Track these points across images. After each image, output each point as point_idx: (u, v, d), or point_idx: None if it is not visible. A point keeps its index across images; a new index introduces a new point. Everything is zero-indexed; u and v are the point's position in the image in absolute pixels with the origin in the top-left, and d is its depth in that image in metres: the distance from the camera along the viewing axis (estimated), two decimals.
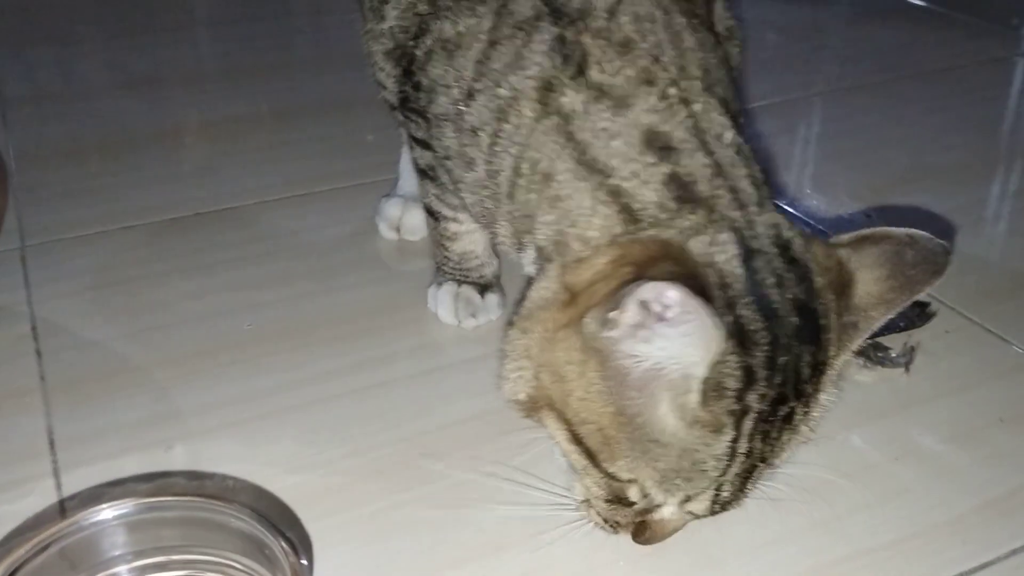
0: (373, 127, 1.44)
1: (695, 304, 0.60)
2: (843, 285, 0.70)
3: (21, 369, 0.97)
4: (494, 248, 1.07)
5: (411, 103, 0.94)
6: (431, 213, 1.03)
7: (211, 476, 0.84)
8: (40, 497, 0.82)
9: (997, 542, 0.81)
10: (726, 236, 0.69)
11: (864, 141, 1.47)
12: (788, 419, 0.69)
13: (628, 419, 0.67)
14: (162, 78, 1.72)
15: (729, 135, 0.75)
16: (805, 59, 1.84)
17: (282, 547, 0.58)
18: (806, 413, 0.70)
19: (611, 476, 0.71)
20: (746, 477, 0.70)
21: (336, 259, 1.17)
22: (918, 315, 1.04)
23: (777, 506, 0.80)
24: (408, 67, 0.92)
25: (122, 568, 0.62)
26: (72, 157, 1.42)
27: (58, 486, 0.83)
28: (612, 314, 0.64)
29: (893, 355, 0.99)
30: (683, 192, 0.71)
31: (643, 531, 0.75)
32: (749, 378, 0.65)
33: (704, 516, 0.73)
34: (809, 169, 1.46)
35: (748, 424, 0.67)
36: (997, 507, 0.84)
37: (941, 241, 0.70)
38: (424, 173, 1.00)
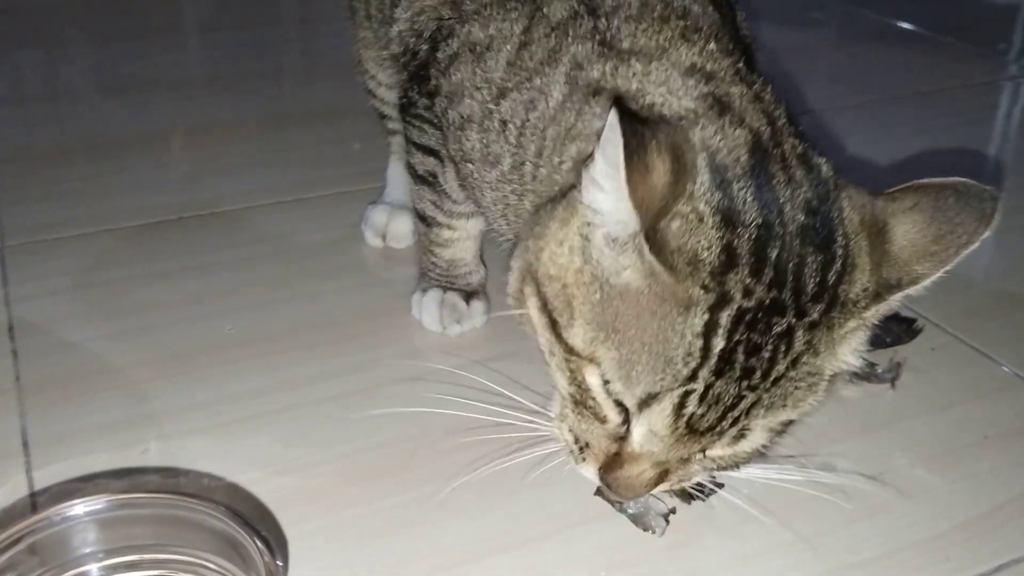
0: (360, 135, 1.43)
1: (615, 120, 0.59)
2: (878, 227, 0.67)
3: None
4: (482, 256, 1.07)
5: (416, 108, 0.94)
6: (424, 219, 1.03)
7: (186, 473, 0.82)
8: (11, 492, 0.80)
9: (980, 559, 0.80)
10: (740, 132, 0.68)
11: (851, 161, 1.47)
12: (786, 340, 0.64)
13: (592, 278, 0.66)
14: (149, 82, 1.71)
15: (769, 90, 0.75)
16: (794, 80, 1.84)
17: (257, 546, 0.57)
18: (809, 344, 0.65)
19: (572, 351, 0.67)
20: (728, 402, 0.64)
21: (320, 265, 1.16)
22: (905, 331, 1.04)
23: (759, 521, 0.80)
24: (419, 72, 0.91)
25: (92, 566, 0.61)
26: (56, 159, 1.41)
27: (30, 482, 0.81)
28: (586, 167, 0.65)
29: (879, 371, 0.98)
30: (718, 106, 0.70)
31: (613, 467, 0.69)
32: (730, 259, 0.62)
33: (667, 439, 0.66)
34: None
35: (726, 318, 0.62)
36: (980, 524, 0.83)
37: (987, 187, 0.66)
38: (422, 179, 0.99)
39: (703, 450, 0.69)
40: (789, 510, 0.81)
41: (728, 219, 0.63)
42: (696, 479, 0.74)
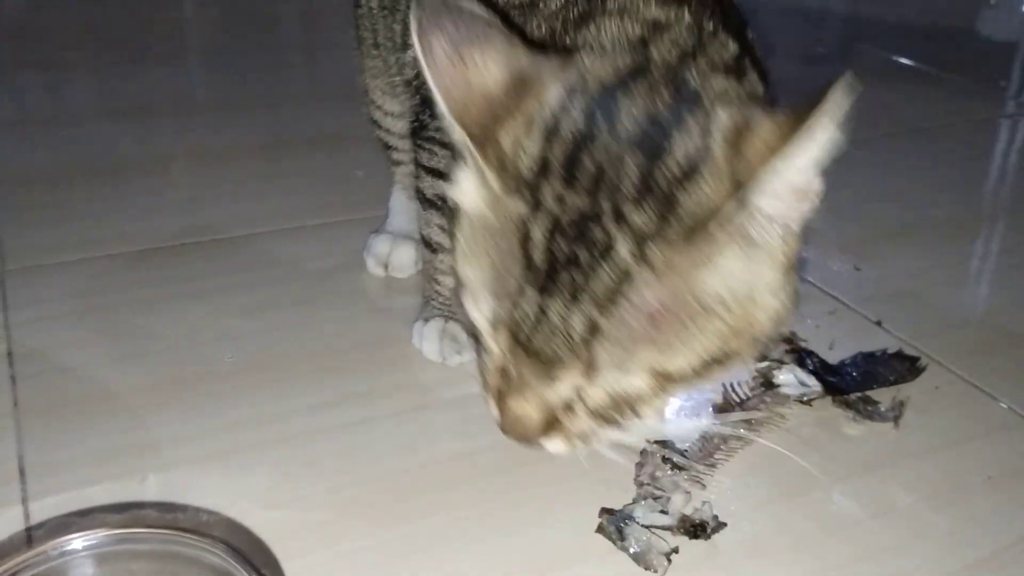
0: (363, 163, 1.43)
1: None
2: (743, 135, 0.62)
3: None
4: None
5: (427, 131, 0.94)
6: (429, 245, 1.03)
7: (184, 508, 0.81)
8: (6, 525, 0.79)
9: None
10: (627, 60, 0.68)
11: (852, 196, 1.47)
12: (606, 252, 0.61)
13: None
14: (151, 107, 1.72)
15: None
16: None
17: None
18: (642, 256, 0.60)
19: (460, 280, 0.70)
20: (558, 321, 0.63)
21: (321, 293, 1.16)
22: (908, 369, 1.03)
23: (758, 560, 0.79)
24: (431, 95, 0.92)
25: None
26: (57, 182, 1.41)
27: (26, 515, 0.80)
28: None
29: (882, 409, 0.98)
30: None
31: (502, 404, 0.69)
32: (544, 169, 0.63)
33: (516, 363, 0.66)
34: None
35: (541, 228, 0.62)
36: (983, 567, 0.82)
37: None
38: (431, 203, 0.99)
39: (578, 393, 0.67)
40: (794, 549, 0.81)
41: (551, 132, 0.64)
42: (600, 438, 0.70)
